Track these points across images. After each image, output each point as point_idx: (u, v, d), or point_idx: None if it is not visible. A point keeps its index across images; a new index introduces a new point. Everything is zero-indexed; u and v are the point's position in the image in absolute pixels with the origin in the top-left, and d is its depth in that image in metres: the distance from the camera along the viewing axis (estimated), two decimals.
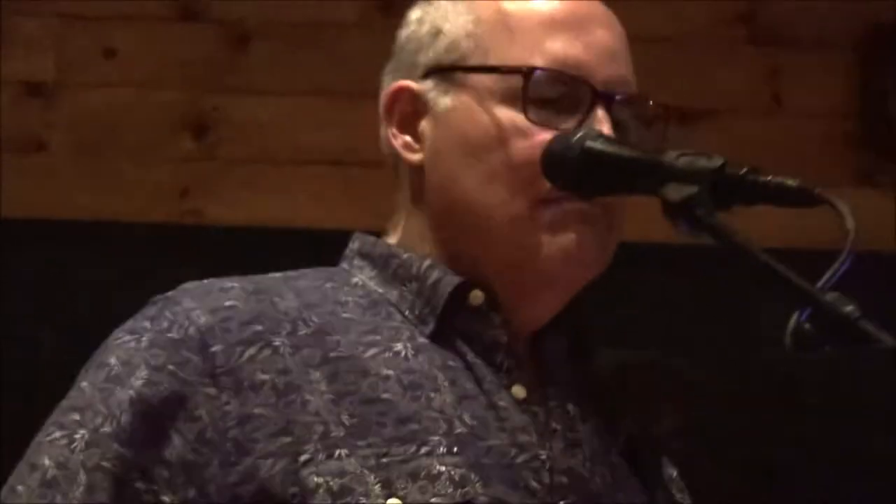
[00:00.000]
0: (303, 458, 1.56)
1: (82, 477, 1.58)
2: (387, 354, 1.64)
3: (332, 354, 1.62)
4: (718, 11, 4.26)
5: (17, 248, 4.00)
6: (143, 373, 1.59)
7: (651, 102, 1.73)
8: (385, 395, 1.61)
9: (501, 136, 1.66)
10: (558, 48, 1.67)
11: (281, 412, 1.58)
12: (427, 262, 1.70)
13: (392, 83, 1.75)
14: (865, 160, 4.16)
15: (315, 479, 1.55)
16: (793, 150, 4.05)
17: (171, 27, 4.22)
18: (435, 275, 1.69)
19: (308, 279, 1.72)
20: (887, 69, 4.21)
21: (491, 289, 1.68)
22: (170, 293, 1.66)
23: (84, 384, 1.63)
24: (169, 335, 1.61)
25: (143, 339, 1.63)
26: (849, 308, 1.44)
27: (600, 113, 1.65)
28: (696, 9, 4.23)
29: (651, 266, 4.01)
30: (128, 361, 1.62)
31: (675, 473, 1.84)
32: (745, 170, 1.54)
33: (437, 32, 1.73)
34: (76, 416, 1.61)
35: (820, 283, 1.44)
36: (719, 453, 4.01)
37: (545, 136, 1.64)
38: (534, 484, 1.62)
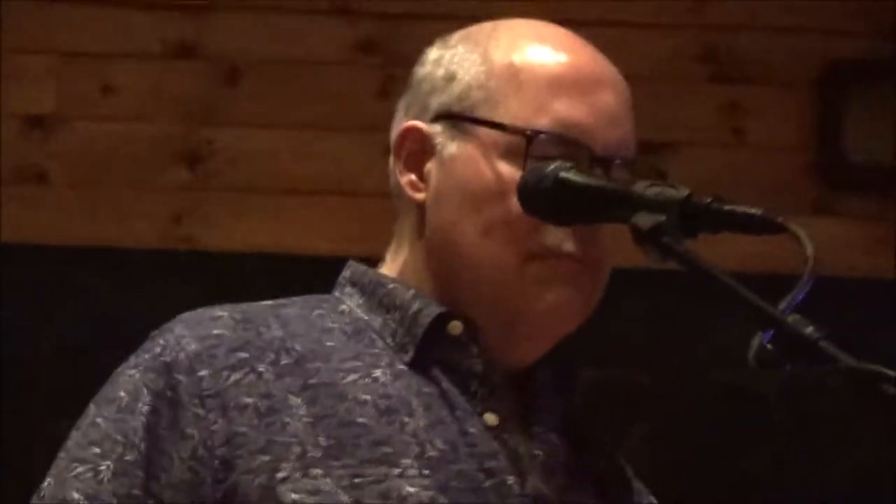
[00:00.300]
0: (280, 475, 1.55)
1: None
2: (366, 380, 1.63)
3: (312, 381, 1.61)
4: (681, 49, 4.27)
5: (17, 271, 4.01)
6: (147, 399, 1.60)
7: (640, 164, 1.69)
8: (361, 419, 1.60)
9: (501, 189, 1.64)
10: (562, 110, 1.65)
11: (262, 432, 1.57)
12: (411, 293, 1.68)
13: (404, 120, 1.73)
14: (822, 191, 4.17)
15: (291, 495, 1.55)
16: (752, 181, 4.06)
17: (165, 64, 4.24)
18: (417, 305, 1.67)
19: (297, 307, 1.71)
20: (842, 104, 4.21)
21: (472, 321, 1.66)
22: (167, 324, 1.65)
23: (98, 419, 1.62)
24: (161, 359, 1.61)
25: (141, 366, 1.62)
26: (809, 329, 1.44)
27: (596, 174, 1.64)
28: (659, 47, 4.24)
29: (613, 288, 4.01)
30: (133, 391, 1.61)
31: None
32: (710, 199, 1.53)
33: (451, 78, 1.71)
34: (96, 450, 1.60)
35: (782, 306, 1.44)
36: (683, 460, 4.02)
37: None
38: None
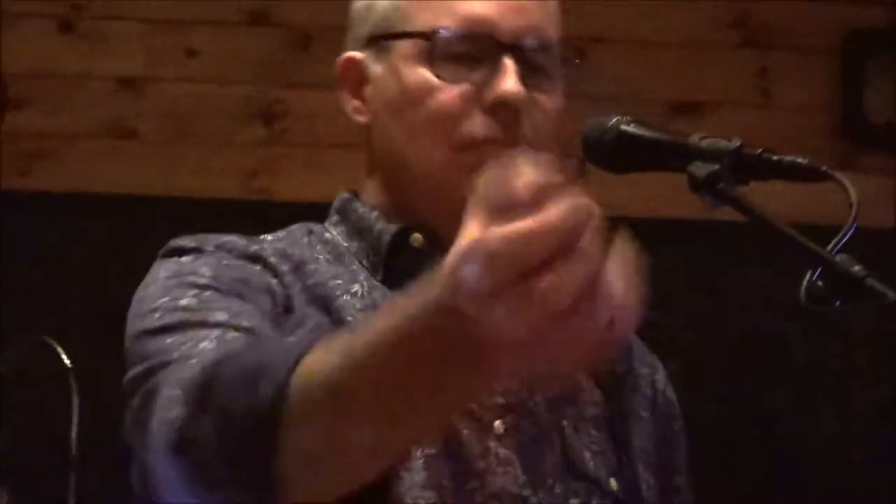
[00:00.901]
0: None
1: (206, 280, 1.56)
2: (346, 296, 1.62)
3: (310, 282, 1.62)
4: (714, 18, 4.24)
5: (109, 220, 4.06)
6: (206, 253, 1.60)
7: (554, 48, 1.68)
8: (349, 319, 1.59)
9: (417, 94, 1.64)
10: (464, 8, 1.64)
11: (274, 307, 1.58)
12: (374, 214, 1.69)
13: (344, 51, 1.74)
14: (844, 148, 4.16)
15: None
16: (780, 140, 3.87)
17: (243, 30, 4.23)
18: (378, 226, 1.68)
19: (290, 238, 1.71)
20: (863, 68, 4.20)
21: (432, 230, 1.65)
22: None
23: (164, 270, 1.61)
24: (204, 249, 1.60)
25: (189, 241, 1.64)
26: (856, 267, 1.45)
27: (507, 62, 1.62)
28: (695, 16, 4.22)
29: (653, 238, 4.01)
30: (196, 249, 1.62)
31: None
32: (760, 150, 1.54)
33: (370, 6, 1.71)
34: (176, 273, 1.59)
35: (829, 247, 1.45)
36: (711, 395, 4.03)
37: (456, 89, 1.62)
38: (478, 416, 1.60)
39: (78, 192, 4.12)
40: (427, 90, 1.63)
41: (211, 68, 4.22)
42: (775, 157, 1.53)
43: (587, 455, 1.65)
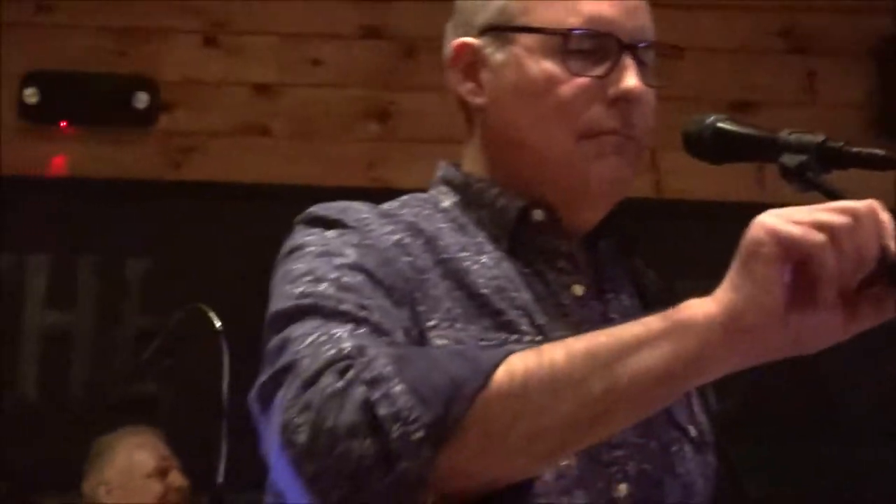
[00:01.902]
0: (430, 322, 1.47)
1: (363, 271, 1.44)
2: (476, 266, 1.54)
3: (443, 257, 1.53)
4: (764, 27, 4.21)
5: (246, 205, 4.08)
6: (350, 228, 1.50)
7: (664, 48, 1.61)
8: (483, 291, 1.52)
9: (546, 84, 1.56)
10: (590, 8, 1.56)
11: (418, 286, 1.49)
12: (495, 191, 1.60)
13: (455, 36, 1.62)
14: (882, 141, 4.13)
15: (438, 341, 1.47)
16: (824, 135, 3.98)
17: (359, 43, 4.26)
18: (502, 202, 1.59)
19: (409, 207, 1.61)
20: None
21: (549, 206, 1.58)
22: (309, 210, 1.54)
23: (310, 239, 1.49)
24: (342, 225, 1.50)
25: (323, 211, 1.53)
26: None
27: (627, 60, 1.56)
28: (747, 25, 4.19)
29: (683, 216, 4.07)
30: (338, 222, 1.51)
31: None
32: (842, 142, 1.47)
33: None
34: (323, 251, 1.48)
35: None
36: None
37: (581, 83, 1.55)
38: None
39: (221, 181, 4.18)
40: (555, 82, 1.56)
41: (332, 75, 4.25)
42: (855, 149, 1.46)
43: (677, 408, 1.61)
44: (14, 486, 3.74)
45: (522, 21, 1.58)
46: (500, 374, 1.28)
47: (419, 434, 1.26)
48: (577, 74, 1.55)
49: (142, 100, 4.18)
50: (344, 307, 1.40)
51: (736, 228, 4.01)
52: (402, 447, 1.25)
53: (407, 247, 1.51)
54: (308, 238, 1.49)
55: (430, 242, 1.54)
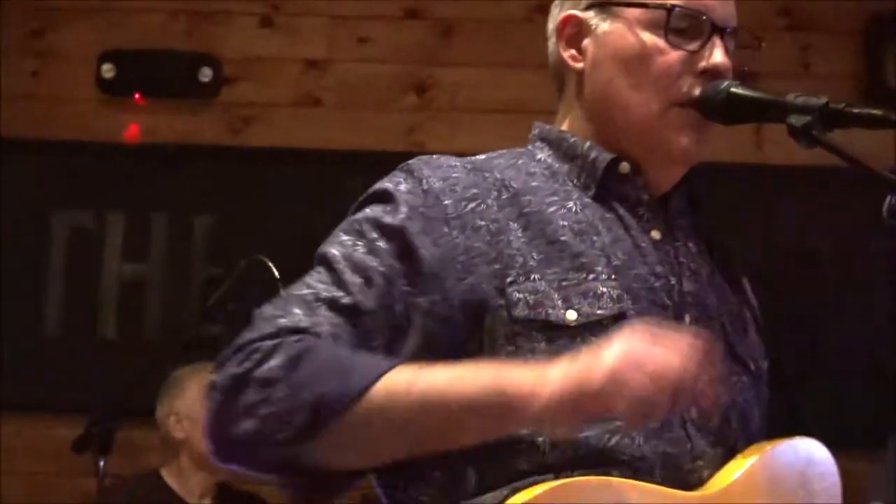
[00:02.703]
0: (508, 279, 1.49)
1: (362, 270, 1.48)
2: (562, 210, 1.56)
3: (525, 210, 1.54)
4: (765, 9, 4.15)
5: (300, 168, 4.08)
6: (404, 209, 1.50)
7: (749, 34, 1.65)
8: (563, 238, 1.53)
9: (646, 53, 1.57)
10: None
11: (493, 247, 1.50)
12: (587, 144, 1.61)
13: (563, 11, 1.64)
14: None
15: (517, 294, 1.49)
16: None
17: (400, 23, 4.24)
18: (593, 154, 1.60)
19: (505, 159, 1.62)
20: (882, 46, 4.12)
21: (634, 161, 1.60)
22: (411, 162, 1.56)
23: (363, 216, 1.53)
24: (420, 187, 1.51)
25: (402, 186, 1.53)
26: None
27: (716, 41, 1.57)
28: (750, 6, 4.15)
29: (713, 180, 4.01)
30: (392, 199, 1.52)
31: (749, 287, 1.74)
32: (843, 104, 1.50)
33: None
34: (357, 231, 1.51)
35: None
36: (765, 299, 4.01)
37: (677, 54, 1.57)
38: (667, 301, 1.56)
39: (276, 146, 4.18)
40: (657, 51, 1.57)
41: (376, 52, 4.24)
42: (856, 110, 1.50)
43: (738, 342, 1.63)
44: (97, 416, 3.77)
45: None
46: (363, 401, 1.38)
47: (287, 434, 1.38)
48: (675, 47, 1.56)
49: (206, 74, 4.20)
50: (336, 298, 1.46)
51: (735, 187, 4.01)
52: (274, 439, 1.39)
53: (483, 213, 1.52)
54: (369, 214, 1.53)
55: (515, 197, 1.55)
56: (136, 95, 4.20)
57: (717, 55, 1.57)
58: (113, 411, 3.77)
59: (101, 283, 4.15)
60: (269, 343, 1.40)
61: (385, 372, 1.38)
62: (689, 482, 1.49)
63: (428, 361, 1.43)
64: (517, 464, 1.44)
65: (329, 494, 1.47)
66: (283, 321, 1.43)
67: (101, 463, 3.70)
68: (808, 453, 1.60)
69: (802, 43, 4.20)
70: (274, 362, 1.39)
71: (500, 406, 1.37)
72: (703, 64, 1.57)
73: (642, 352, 1.33)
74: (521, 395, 1.35)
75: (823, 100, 1.51)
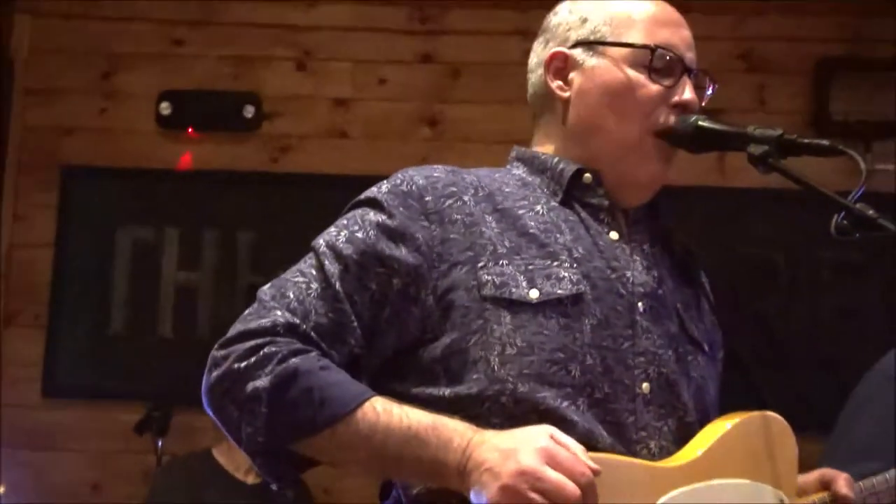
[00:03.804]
0: (479, 264, 1.49)
1: (341, 258, 1.50)
2: (531, 213, 1.56)
3: (499, 206, 1.55)
4: (727, 53, 4.17)
5: (328, 192, 3.95)
6: (385, 211, 1.52)
7: (708, 75, 1.66)
8: (531, 231, 1.54)
9: (631, 85, 1.57)
10: (666, 37, 1.59)
11: (467, 237, 1.50)
12: (556, 158, 1.61)
13: (549, 49, 1.64)
14: (816, 139, 4.08)
15: (486, 276, 1.48)
16: None
17: (415, 66, 4.24)
18: (561, 165, 1.60)
19: (484, 171, 1.63)
20: (828, 85, 4.11)
21: (597, 175, 1.59)
22: (402, 169, 1.58)
23: (350, 214, 1.56)
24: (400, 188, 1.54)
25: (385, 187, 1.55)
26: (871, 211, 1.43)
27: (685, 79, 1.59)
28: (714, 50, 4.07)
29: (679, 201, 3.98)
30: (375, 202, 1.54)
31: (706, 282, 1.74)
32: (795, 135, 1.50)
33: (584, 20, 1.63)
34: (343, 225, 1.54)
35: (850, 198, 1.43)
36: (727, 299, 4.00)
37: (656, 88, 1.57)
38: (622, 291, 1.55)
39: (309, 172, 4.19)
40: (640, 84, 1.57)
41: (394, 92, 4.24)
42: (806, 140, 1.50)
43: (692, 326, 1.62)
44: (156, 403, 3.79)
45: (616, 39, 1.60)
46: (329, 431, 1.41)
47: (259, 439, 1.45)
48: (654, 82, 1.57)
49: (249, 111, 4.21)
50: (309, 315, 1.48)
51: (702, 206, 3.97)
52: (253, 445, 1.46)
53: (459, 208, 1.52)
54: (356, 212, 1.55)
55: (490, 195, 1.55)
56: (190, 129, 4.21)
57: (688, 92, 1.59)
58: (169, 398, 3.79)
59: (159, 289, 4.15)
60: (265, 346, 1.44)
61: (352, 413, 1.40)
62: (637, 452, 1.48)
63: (402, 337, 1.48)
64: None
65: (291, 474, 1.50)
66: (279, 316, 1.46)
67: (160, 443, 3.73)
68: (770, 424, 1.59)
69: (759, 83, 4.19)
70: (261, 383, 1.43)
71: (432, 471, 1.39)
72: (675, 98, 1.58)
73: (540, 469, 1.31)
74: (449, 470, 1.37)
75: (779, 131, 1.51)
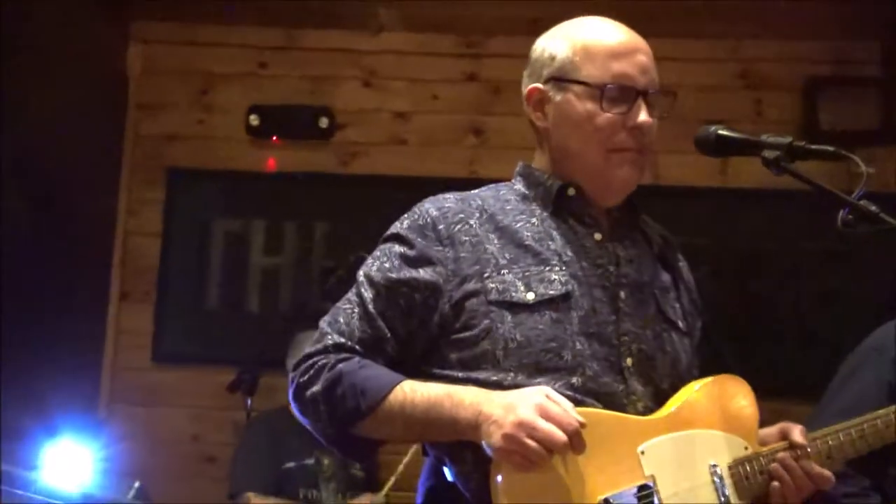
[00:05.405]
0: (485, 275, 1.52)
1: (374, 285, 1.54)
2: (528, 224, 1.58)
3: (500, 225, 1.56)
4: (727, 71, 4.13)
5: (391, 190, 4.01)
6: (406, 243, 1.55)
7: (664, 92, 1.60)
8: (527, 242, 1.55)
9: (588, 117, 1.55)
10: (618, 68, 1.55)
11: (474, 254, 1.53)
12: (546, 175, 1.61)
13: (530, 83, 1.64)
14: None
15: (490, 284, 1.51)
16: None
17: (463, 84, 4.22)
18: (550, 181, 1.60)
19: (490, 191, 1.64)
20: (818, 98, 4.05)
21: (579, 188, 1.59)
22: (419, 203, 1.60)
23: (381, 248, 1.58)
24: (417, 222, 1.56)
25: (406, 223, 1.57)
26: (873, 207, 1.40)
27: (640, 102, 1.55)
28: (715, 71, 4.11)
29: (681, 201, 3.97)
30: (398, 236, 1.57)
31: (688, 274, 1.72)
32: (804, 142, 1.48)
33: (553, 57, 1.61)
34: (376, 257, 1.57)
35: (853, 196, 1.41)
36: (727, 287, 3.95)
37: (611, 117, 1.54)
38: (606, 283, 1.56)
39: (374, 174, 4.18)
40: (594, 116, 1.56)
41: (445, 106, 4.20)
42: (814, 146, 1.48)
43: (669, 308, 1.62)
44: (245, 367, 3.82)
45: (574, 76, 1.58)
46: (373, 413, 1.47)
47: (328, 430, 1.52)
48: (608, 112, 1.56)
49: (324, 122, 4.21)
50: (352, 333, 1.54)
51: (704, 203, 3.92)
52: (326, 438, 1.54)
53: (467, 230, 1.55)
54: (382, 247, 1.58)
55: (492, 216, 1.57)
56: (274, 138, 4.21)
57: (642, 115, 1.55)
58: (256, 363, 3.82)
59: (247, 271, 4.15)
60: (318, 361, 1.51)
61: (385, 396, 1.46)
62: (628, 412, 1.51)
63: (428, 338, 1.53)
64: None
65: (365, 453, 1.56)
66: (329, 340, 1.53)
67: (248, 401, 3.76)
68: (730, 383, 1.61)
69: (756, 97, 4.14)
70: (317, 388, 1.50)
71: (452, 428, 1.44)
72: (631, 122, 1.55)
73: (534, 421, 1.36)
74: (462, 426, 1.42)
75: (789, 138, 1.49)
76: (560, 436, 1.35)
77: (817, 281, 3.98)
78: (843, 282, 3.92)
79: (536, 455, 1.35)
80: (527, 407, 1.37)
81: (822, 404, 2.09)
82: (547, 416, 1.36)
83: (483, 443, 1.40)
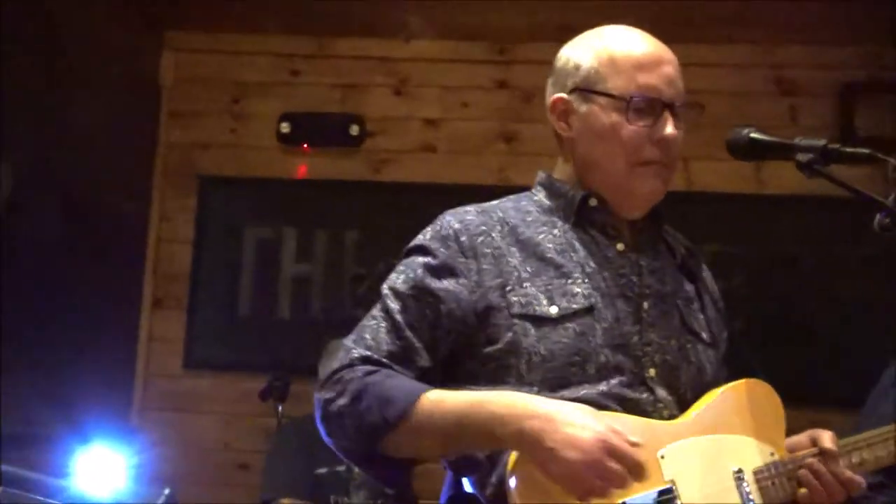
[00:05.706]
0: (507, 287, 1.51)
1: (400, 297, 1.53)
2: (549, 236, 1.57)
3: (521, 237, 1.55)
4: (763, 78, 4.10)
5: (420, 197, 4.04)
6: (430, 254, 1.54)
7: (691, 104, 1.58)
8: (549, 255, 1.54)
9: (614, 130, 1.54)
10: (644, 80, 1.54)
11: (496, 266, 1.52)
12: (568, 187, 1.60)
13: (554, 93, 1.63)
14: None
15: (513, 297, 1.50)
16: None
17: (493, 91, 4.22)
18: (571, 192, 1.59)
19: (511, 202, 1.63)
20: (854, 106, 4.03)
21: (601, 199, 1.58)
22: (441, 215, 1.59)
23: (405, 261, 1.58)
24: (440, 233, 1.56)
25: (428, 234, 1.57)
26: None
27: (666, 114, 1.54)
28: (749, 77, 4.09)
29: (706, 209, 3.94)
30: (422, 248, 1.56)
31: (714, 286, 1.71)
32: (838, 145, 1.46)
33: (577, 67, 1.59)
34: (400, 270, 1.57)
35: (890, 200, 1.39)
36: (757, 289, 3.92)
37: (637, 129, 1.53)
38: (629, 294, 1.55)
39: (404, 181, 4.18)
40: (620, 128, 1.54)
41: (475, 113, 4.22)
42: (848, 149, 1.45)
43: (692, 320, 1.61)
44: (277, 373, 3.82)
45: (600, 87, 1.56)
46: (399, 424, 1.42)
47: (353, 444, 1.47)
48: (634, 124, 1.54)
49: (354, 129, 4.22)
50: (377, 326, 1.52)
51: (738, 209, 3.88)
52: (351, 456, 1.49)
53: (489, 243, 1.54)
54: (407, 260, 1.57)
55: (514, 229, 1.56)
56: (305, 145, 4.24)
57: (668, 127, 1.54)
58: (287, 370, 3.83)
59: (278, 278, 4.17)
60: (344, 375, 1.48)
61: (412, 405, 1.42)
62: (653, 419, 1.50)
63: (454, 348, 1.50)
64: None
65: (395, 475, 1.51)
66: (355, 353, 1.50)
67: (280, 407, 3.76)
68: (756, 388, 1.59)
69: (791, 104, 4.12)
70: (342, 401, 1.46)
71: (488, 440, 1.40)
72: (657, 135, 1.54)
73: (597, 460, 1.33)
74: (497, 438, 1.38)
75: (822, 142, 1.46)
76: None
77: (853, 287, 3.95)
78: (879, 288, 3.88)
79: (620, 481, 1.33)
80: (594, 434, 1.35)
81: (862, 415, 2.06)
82: (612, 452, 1.34)
83: (539, 465, 1.36)
